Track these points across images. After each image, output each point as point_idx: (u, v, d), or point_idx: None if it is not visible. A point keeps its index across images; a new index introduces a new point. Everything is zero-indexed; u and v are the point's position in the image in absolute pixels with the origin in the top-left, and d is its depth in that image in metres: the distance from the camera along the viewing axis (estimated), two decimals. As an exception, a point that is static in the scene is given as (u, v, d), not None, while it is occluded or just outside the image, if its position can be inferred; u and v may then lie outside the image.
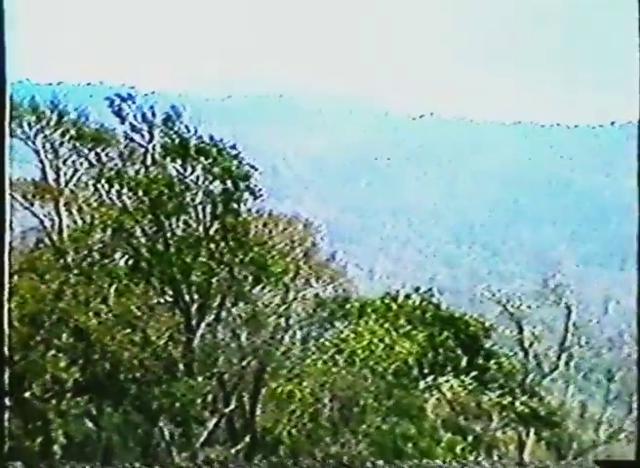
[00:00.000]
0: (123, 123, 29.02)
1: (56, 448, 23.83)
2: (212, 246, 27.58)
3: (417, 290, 31.98)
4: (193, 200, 27.99)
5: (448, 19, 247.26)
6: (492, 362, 30.81)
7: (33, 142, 31.13)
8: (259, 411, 26.90)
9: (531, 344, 35.12)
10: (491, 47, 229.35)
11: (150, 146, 28.69)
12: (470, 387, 30.26)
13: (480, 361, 30.39)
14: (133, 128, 28.87)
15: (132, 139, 29.05)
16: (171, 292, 27.69)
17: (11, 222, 31.99)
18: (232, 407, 27.00)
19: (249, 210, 28.75)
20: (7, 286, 5.66)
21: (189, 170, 28.18)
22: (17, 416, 23.42)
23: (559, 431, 33.36)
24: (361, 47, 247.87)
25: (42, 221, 30.79)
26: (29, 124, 30.94)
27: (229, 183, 27.95)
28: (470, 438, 29.71)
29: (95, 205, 29.53)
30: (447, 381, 29.97)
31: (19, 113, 30.87)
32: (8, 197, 5.54)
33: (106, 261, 27.77)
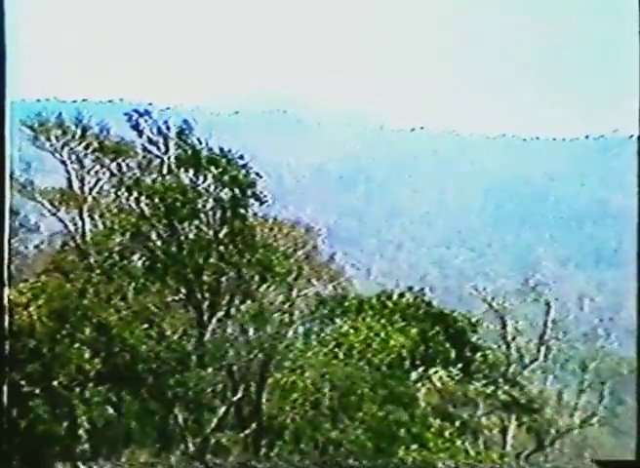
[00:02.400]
0: (141, 136, 28.93)
1: (80, 431, 23.77)
2: (221, 248, 27.51)
3: (410, 288, 31.90)
4: (204, 206, 27.91)
5: (437, 42, 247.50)
6: (477, 354, 30.74)
7: (60, 154, 31.15)
8: (264, 400, 26.80)
9: (513, 338, 35.08)
10: (476, 67, 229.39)
11: (165, 157, 28.61)
12: (458, 377, 30.18)
13: (467, 353, 30.31)
14: (149, 140, 28.78)
15: (149, 151, 28.97)
16: (184, 291, 27.61)
17: (39, 226, 32.09)
18: (240, 395, 26.90)
19: (255, 215, 28.67)
20: (6, 283, 5.56)
21: (201, 178, 28.10)
22: (45, 403, 23.37)
23: (538, 417, 33.31)
24: (359, 67, 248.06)
25: (67, 226, 30.79)
26: (56, 137, 30.95)
27: (237, 191, 27.87)
28: (458, 424, 29.62)
29: (115, 211, 29.47)
30: (437, 372, 29.89)
31: (47, 128, 30.90)
32: (7, 196, 5.46)
33: (125, 262, 27.70)
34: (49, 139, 30.85)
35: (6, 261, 5.50)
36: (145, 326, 25.03)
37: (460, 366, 29.99)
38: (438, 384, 30.34)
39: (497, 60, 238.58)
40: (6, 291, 5.66)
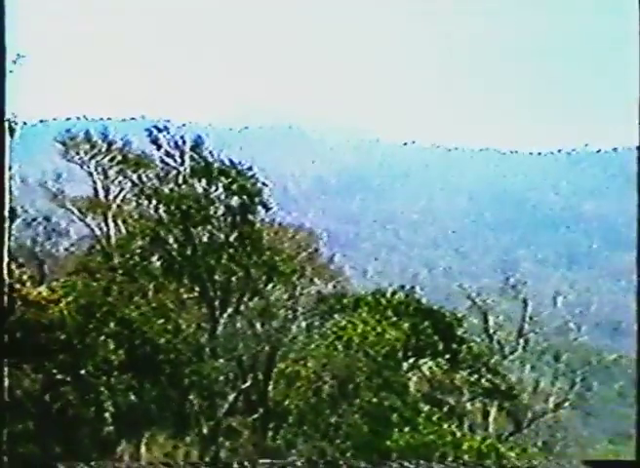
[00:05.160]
0: (159, 150, 28.96)
1: (106, 415, 23.74)
2: (231, 250, 27.50)
3: (402, 287, 31.89)
4: (216, 213, 27.91)
5: (428, 65, 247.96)
6: (463, 346, 30.71)
7: (87, 166, 31.23)
8: (271, 387, 26.80)
9: (494, 332, 35.15)
10: (463, 89, 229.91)
11: (181, 169, 28.64)
12: (445, 367, 30.18)
13: (453, 345, 30.28)
14: (167, 154, 28.80)
15: (166, 163, 28.99)
16: (198, 289, 27.61)
17: (69, 231, 32.08)
18: (249, 383, 26.90)
19: (262, 220, 28.69)
20: (6, 277, 5.52)
21: (213, 188, 28.11)
22: (74, 390, 23.35)
23: (517, 402, 33.32)
24: (358, 88, 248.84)
25: (94, 231, 30.83)
26: (85, 151, 31.04)
27: (246, 199, 27.87)
28: (445, 409, 29.62)
29: (136, 217, 29.51)
30: (426, 363, 29.90)
31: (76, 143, 31.01)
32: (7, 194, 5.44)
33: (145, 264, 27.71)
34: (78, 153, 30.94)
35: (5, 260, 5.48)
36: (164, 321, 25.02)
37: (447, 357, 29.98)
38: (427, 373, 30.38)
39: (481, 84, 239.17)
40: (5, 288, 5.65)
